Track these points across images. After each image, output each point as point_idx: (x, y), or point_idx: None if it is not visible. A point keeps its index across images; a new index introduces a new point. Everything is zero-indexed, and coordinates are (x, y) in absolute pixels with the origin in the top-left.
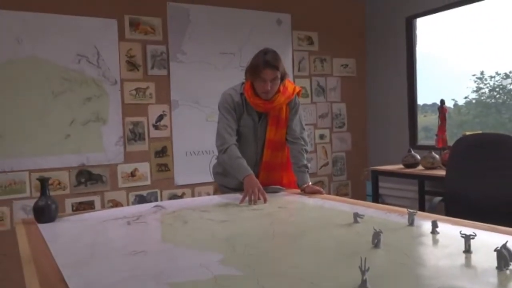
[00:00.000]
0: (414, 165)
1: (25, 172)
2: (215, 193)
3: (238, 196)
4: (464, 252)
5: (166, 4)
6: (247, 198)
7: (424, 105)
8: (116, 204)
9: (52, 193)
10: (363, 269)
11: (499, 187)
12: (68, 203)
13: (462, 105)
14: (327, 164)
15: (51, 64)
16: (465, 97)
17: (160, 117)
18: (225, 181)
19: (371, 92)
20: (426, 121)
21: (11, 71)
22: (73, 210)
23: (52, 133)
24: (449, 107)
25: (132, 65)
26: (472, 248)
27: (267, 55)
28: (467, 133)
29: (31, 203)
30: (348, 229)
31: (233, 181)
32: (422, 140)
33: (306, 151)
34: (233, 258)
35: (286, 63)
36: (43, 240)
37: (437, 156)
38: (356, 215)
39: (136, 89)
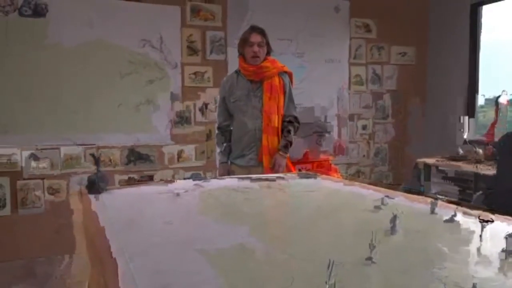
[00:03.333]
0: (462, 158)
1: (89, 148)
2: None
3: (272, 177)
4: (479, 238)
5: None
6: None
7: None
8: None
9: (105, 169)
10: (372, 245)
11: None
12: (117, 179)
13: None
14: (378, 153)
15: (118, 47)
16: None
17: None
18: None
19: (431, 81)
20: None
21: (83, 53)
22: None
23: (116, 112)
24: None
25: (192, 50)
26: (488, 236)
27: (254, 26)
28: None
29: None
30: (371, 213)
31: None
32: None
33: (296, 128)
34: (260, 231)
35: (343, 51)
36: (93, 209)
37: (480, 151)
38: (381, 201)
39: (195, 73)
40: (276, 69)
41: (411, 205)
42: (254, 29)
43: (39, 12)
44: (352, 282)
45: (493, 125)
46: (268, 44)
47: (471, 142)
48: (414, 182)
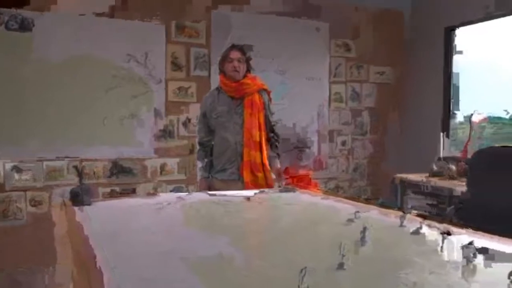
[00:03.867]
0: (438, 174)
1: (71, 160)
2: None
3: (252, 192)
4: (439, 249)
5: (210, 11)
6: None
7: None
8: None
9: (90, 182)
10: (341, 253)
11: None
12: (100, 191)
13: None
14: (356, 168)
15: (104, 62)
16: None
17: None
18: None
19: (407, 100)
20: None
21: (70, 67)
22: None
23: (100, 126)
24: (500, 117)
25: (176, 66)
26: (448, 247)
27: (234, 44)
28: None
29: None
30: (344, 225)
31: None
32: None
33: (277, 142)
34: (240, 241)
35: (323, 69)
36: (77, 220)
37: (453, 167)
38: (354, 215)
39: (179, 88)
40: (256, 86)
41: (382, 219)
42: (233, 46)
43: (25, 26)
44: (324, 287)
45: (467, 142)
46: (248, 61)
47: (446, 158)
48: (392, 197)
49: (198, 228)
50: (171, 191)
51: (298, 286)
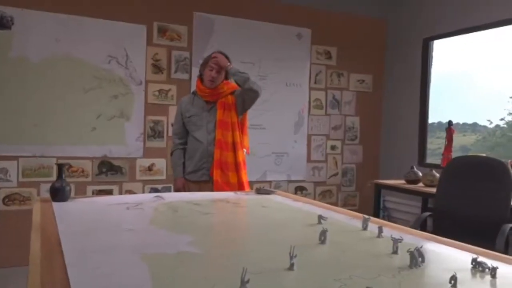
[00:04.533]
0: (415, 181)
1: (53, 159)
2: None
3: (231, 194)
4: (392, 253)
5: (192, 14)
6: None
7: (464, 124)
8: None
9: (75, 180)
10: (291, 254)
11: (481, 206)
12: (90, 189)
13: (499, 127)
14: (336, 174)
15: (84, 63)
16: (501, 119)
17: None
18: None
19: (386, 108)
20: (465, 141)
21: (49, 67)
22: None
23: (80, 125)
24: (485, 127)
25: (157, 68)
26: (401, 251)
27: (218, 51)
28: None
29: None
30: (309, 228)
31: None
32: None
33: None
34: (200, 241)
35: (304, 76)
36: (53, 214)
37: (437, 174)
38: (320, 217)
39: (159, 90)
40: (230, 89)
41: (348, 222)
42: (216, 52)
43: (4, 24)
44: (267, 287)
45: (447, 150)
46: (226, 72)
47: (426, 165)
48: (373, 202)
49: (164, 227)
50: (153, 191)
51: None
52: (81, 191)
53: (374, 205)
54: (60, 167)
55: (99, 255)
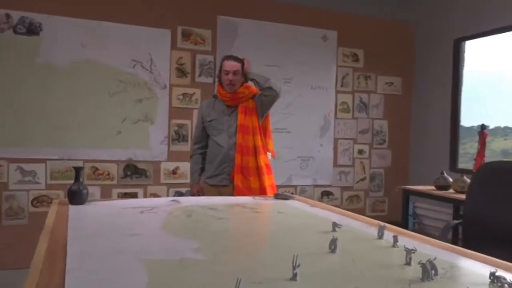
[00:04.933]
0: (445, 187)
1: (80, 162)
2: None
3: (249, 199)
4: (404, 264)
5: (216, 18)
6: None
7: (506, 127)
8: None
9: (101, 183)
10: (294, 264)
11: None
12: (115, 192)
13: None
14: (364, 179)
15: (108, 67)
16: None
17: None
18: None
19: (416, 111)
20: (506, 145)
21: (74, 71)
22: None
23: (105, 129)
24: None
25: (181, 72)
26: (414, 262)
27: (229, 55)
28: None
29: None
30: (322, 235)
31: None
32: None
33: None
34: (207, 247)
35: (330, 79)
36: (66, 217)
37: (468, 180)
38: (334, 224)
39: (183, 94)
40: (251, 93)
41: (364, 230)
42: (229, 57)
43: (33, 30)
44: None
45: (479, 156)
46: (245, 74)
47: (458, 170)
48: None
49: (174, 233)
50: (177, 194)
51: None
52: (107, 194)
53: (402, 212)
54: (77, 170)
55: (100, 260)
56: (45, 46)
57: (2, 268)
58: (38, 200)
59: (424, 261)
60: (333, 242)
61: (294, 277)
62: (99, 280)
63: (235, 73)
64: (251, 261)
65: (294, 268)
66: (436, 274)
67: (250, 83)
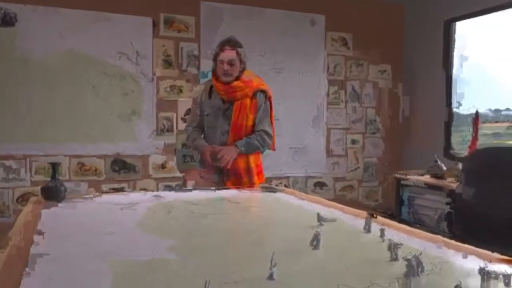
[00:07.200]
0: (440, 176)
1: (66, 157)
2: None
3: (235, 192)
4: (391, 260)
5: (200, 3)
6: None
7: (496, 110)
8: None
9: (89, 179)
10: (271, 263)
11: (506, 203)
12: (103, 188)
13: None
14: (357, 168)
15: (90, 58)
16: None
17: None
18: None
19: (407, 97)
20: (499, 128)
21: (53, 63)
22: None
23: (91, 123)
24: None
25: (167, 64)
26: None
27: (229, 38)
28: None
29: (67, 185)
30: (306, 229)
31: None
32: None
33: (263, 140)
34: (182, 245)
35: (319, 64)
36: (40, 216)
37: (455, 167)
38: (319, 218)
39: (170, 86)
40: (250, 88)
41: (352, 223)
42: (225, 44)
43: (7, 21)
44: None
45: (473, 142)
46: (241, 61)
47: (451, 157)
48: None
49: (150, 230)
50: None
51: None
52: (95, 190)
53: (395, 202)
54: (53, 166)
55: (63, 262)
56: (22, 37)
57: None
58: (23, 198)
59: (409, 257)
60: (315, 237)
61: (271, 276)
62: (56, 285)
63: (230, 62)
64: (227, 260)
65: (271, 267)
66: (422, 270)
67: (250, 77)
